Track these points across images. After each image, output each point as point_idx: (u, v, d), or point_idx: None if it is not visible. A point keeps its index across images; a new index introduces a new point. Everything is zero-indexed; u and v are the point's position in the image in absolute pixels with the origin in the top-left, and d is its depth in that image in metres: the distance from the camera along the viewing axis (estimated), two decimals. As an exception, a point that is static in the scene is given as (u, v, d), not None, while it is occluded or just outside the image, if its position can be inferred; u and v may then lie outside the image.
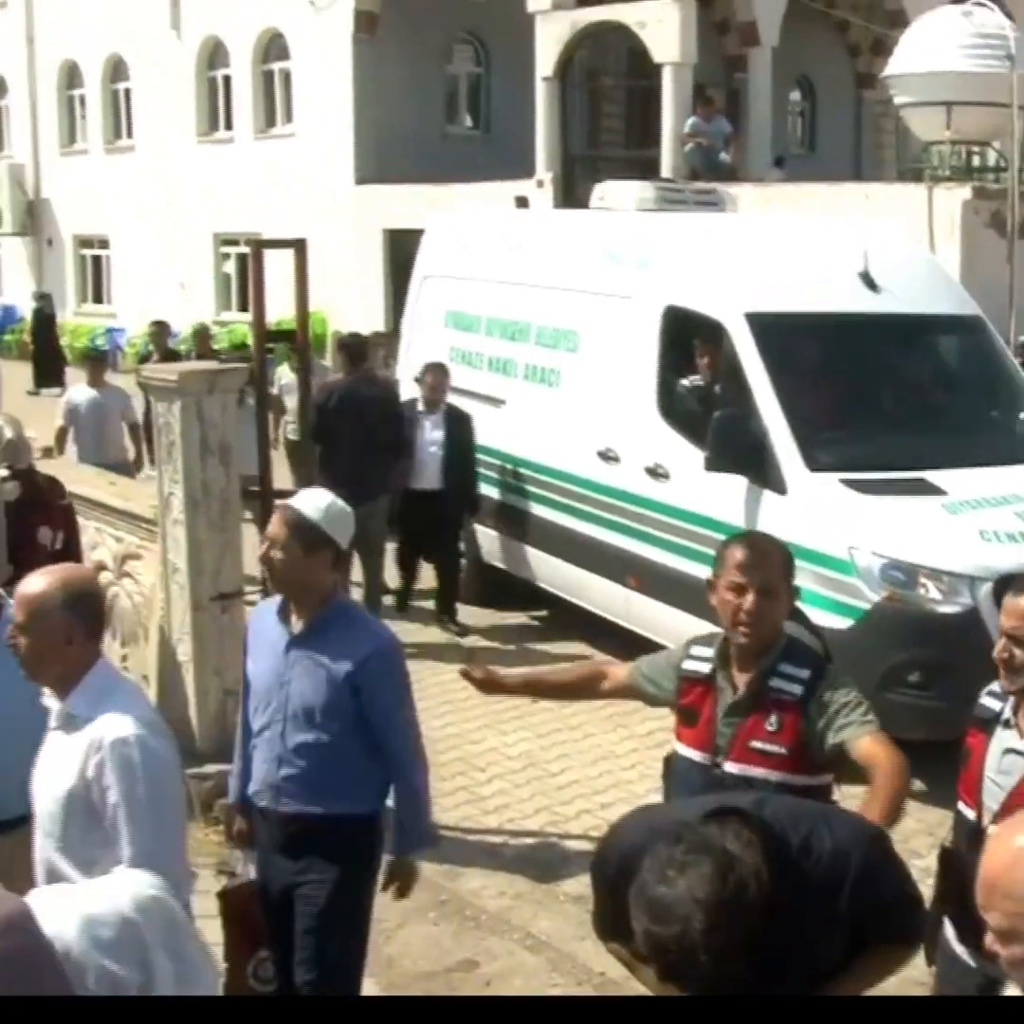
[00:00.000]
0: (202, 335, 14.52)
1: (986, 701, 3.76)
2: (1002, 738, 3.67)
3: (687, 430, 8.59)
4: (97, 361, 12.37)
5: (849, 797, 4.01)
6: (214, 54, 24.59)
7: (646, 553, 8.78)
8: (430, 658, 9.02)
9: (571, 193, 17.72)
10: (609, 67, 21.02)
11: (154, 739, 3.57)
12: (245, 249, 21.45)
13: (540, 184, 18.27)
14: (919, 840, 6.30)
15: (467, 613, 10.35)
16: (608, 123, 21.68)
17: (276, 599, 4.56)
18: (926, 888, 3.46)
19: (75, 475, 8.47)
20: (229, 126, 24.50)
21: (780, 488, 7.93)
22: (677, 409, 8.84)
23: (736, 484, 8.08)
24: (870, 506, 7.70)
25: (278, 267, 7.87)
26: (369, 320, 17.88)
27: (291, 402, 11.53)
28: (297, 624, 4.42)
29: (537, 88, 19.03)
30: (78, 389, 11.86)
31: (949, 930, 3.80)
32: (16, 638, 3.65)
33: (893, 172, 18.95)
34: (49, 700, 3.68)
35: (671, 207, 10.63)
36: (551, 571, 9.92)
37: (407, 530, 10.31)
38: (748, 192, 14.30)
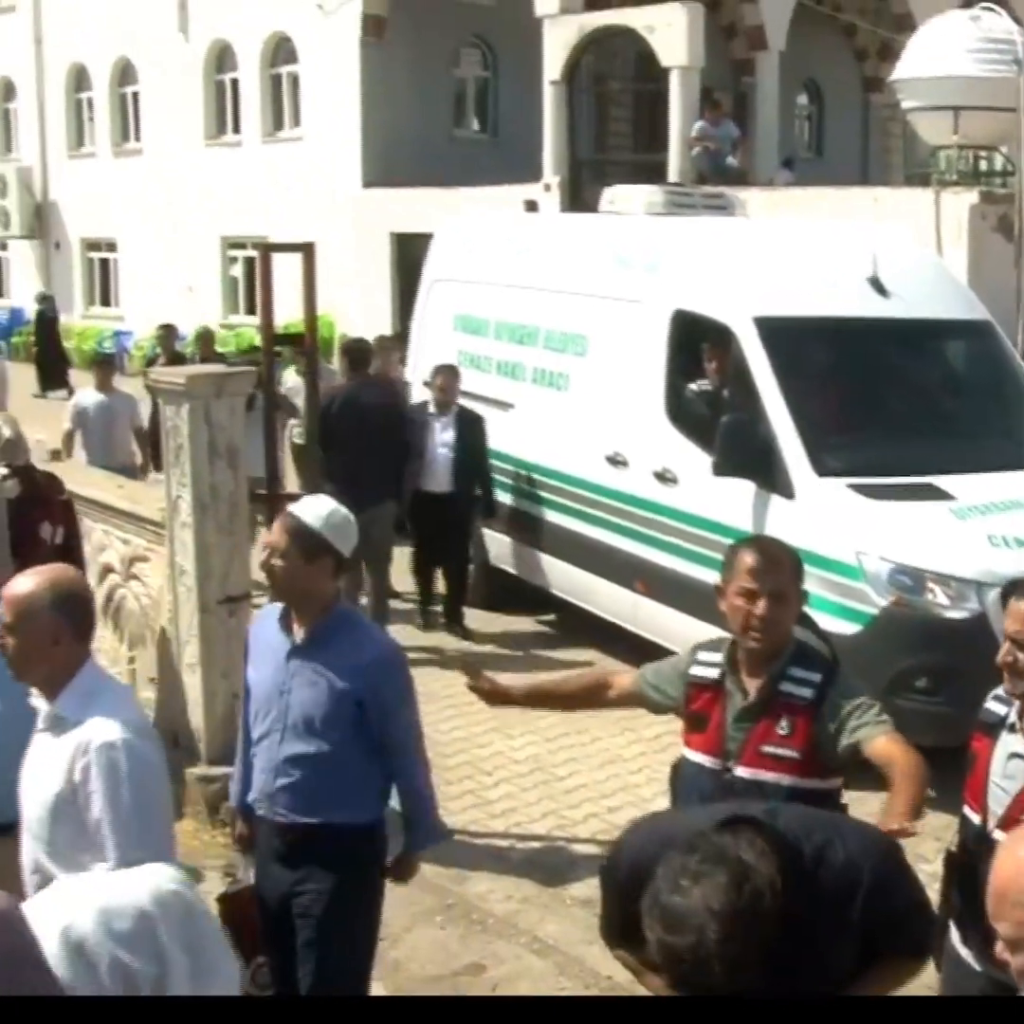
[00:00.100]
0: (205, 338, 14.48)
1: (991, 705, 3.76)
2: (1007, 742, 3.67)
3: (695, 435, 8.59)
4: (105, 365, 12.33)
5: (856, 801, 4.01)
6: (222, 57, 24.59)
7: (654, 558, 8.77)
8: (437, 662, 9.02)
9: (578, 197, 17.70)
10: (617, 71, 21.03)
11: (141, 743, 3.55)
12: (252, 252, 21.51)
13: (547, 188, 18.27)
14: (926, 845, 6.24)
15: (475, 617, 10.33)
16: (615, 127, 21.69)
17: (278, 605, 4.53)
18: (933, 894, 3.45)
19: (83, 478, 8.47)
20: (237, 129, 24.50)
21: (788, 493, 7.92)
22: (685, 413, 8.83)
23: (744, 489, 8.07)
24: (878, 511, 7.69)
25: (285, 270, 7.87)
26: (375, 324, 17.86)
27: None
28: (299, 632, 4.38)
29: (544, 92, 19.01)
30: (86, 393, 11.82)
31: (953, 933, 3.80)
32: (4, 638, 3.64)
33: (900, 176, 18.96)
34: (37, 701, 3.66)
35: (680, 211, 10.66)
36: (559, 575, 9.91)
37: (419, 534, 10.27)
38: (756, 196, 14.28)
